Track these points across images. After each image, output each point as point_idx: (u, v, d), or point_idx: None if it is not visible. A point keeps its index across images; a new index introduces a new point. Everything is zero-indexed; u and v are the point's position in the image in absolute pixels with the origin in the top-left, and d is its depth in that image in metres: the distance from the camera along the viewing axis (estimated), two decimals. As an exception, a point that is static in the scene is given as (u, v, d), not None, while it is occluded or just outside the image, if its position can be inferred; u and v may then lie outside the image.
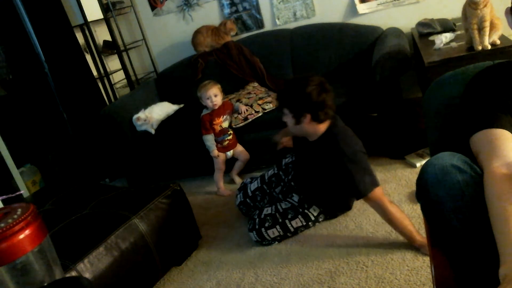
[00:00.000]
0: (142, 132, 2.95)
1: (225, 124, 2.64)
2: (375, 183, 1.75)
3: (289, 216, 1.99)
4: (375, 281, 1.62)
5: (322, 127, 1.86)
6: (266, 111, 2.74)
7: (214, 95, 2.54)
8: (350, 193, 1.91)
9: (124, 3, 3.61)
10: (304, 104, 1.80)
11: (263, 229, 1.99)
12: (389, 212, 1.71)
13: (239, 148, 2.72)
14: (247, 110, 2.72)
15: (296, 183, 2.09)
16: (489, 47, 2.05)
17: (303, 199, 2.02)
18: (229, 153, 2.70)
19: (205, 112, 2.62)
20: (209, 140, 2.61)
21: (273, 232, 1.98)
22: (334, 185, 1.95)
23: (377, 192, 1.74)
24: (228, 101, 2.77)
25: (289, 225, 1.99)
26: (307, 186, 2.03)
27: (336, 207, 2.08)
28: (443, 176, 0.93)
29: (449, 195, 0.92)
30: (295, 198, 2.04)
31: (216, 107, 2.57)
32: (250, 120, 2.71)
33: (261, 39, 3.29)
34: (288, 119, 1.88)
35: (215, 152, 2.62)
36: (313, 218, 2.02)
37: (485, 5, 1.99)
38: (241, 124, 2.71)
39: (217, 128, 2.61)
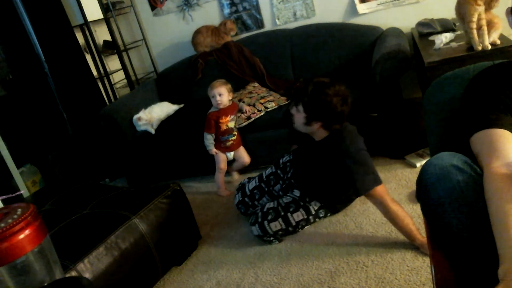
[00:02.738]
0: (142, 132, 2.95)
1: (231, 124, 2.63)
2: (377, 181, 1.76)
3: (291, 209, 2.01)
4: (375, 281, 1.62)
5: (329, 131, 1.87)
6: (268, 109, 2.75)
7: (218, 94, 2.53)
8: (350, 189, 1.92)
9: (124, 3, 3.61)
10: (323, 113, 1.81)
11: (265, 222, 1.99)
12: (391, 210, 1.72)
13: (242, 152, 2.72)
14: (250, 110, 2.72)
15: (296, 180, 2.09)
16: (490, 47, 2.04)
17: (304, 194, 2.03)
18: (230, 155, 2.69)
19: (212, 110, 2.61)
20: (209, 139, 2.61)
21: (275, 225, 1.99)
22: (335, 181, 1.95)
23: (379, 190, 1.74)
24: (234, 102, 2.76)
25: (291, 219, 2.00)
26: (308, 183, 2.04)
27: (337, 201, 2.09)
28: (443, 176, 0.93)
29: (449, 195, 0.92)
30: (296, 193, 2.06)
31: (220, 106, 2.56)
32: (253, 119, 2.71)
33: (261, 39, 3.29)
34: (298, 116, 1.88)
35: (212, 150, 2.62)
36: (313, 212, 2.03)
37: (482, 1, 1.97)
38: (244, 124, 2.71)
39: (223, 127, 2.60)
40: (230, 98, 2.61)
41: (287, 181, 2.16)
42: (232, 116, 2.62)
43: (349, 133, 1.85)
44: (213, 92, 2.54)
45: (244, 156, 2.72)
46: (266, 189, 2.23)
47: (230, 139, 2.65)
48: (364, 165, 1.78)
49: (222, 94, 2.54)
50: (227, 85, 2.59)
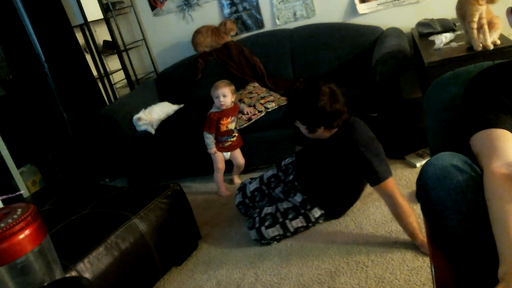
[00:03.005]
0: (142, 132, 2.95)
1: (231, 126, 2.63)
2: (389, 172, 1.75)
3: (290, 216, 2.00)
4: (375, 281, 1.62)
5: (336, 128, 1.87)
6: (268, 110, 2.74)
7: (222, 95, 2.52)
8: (361, 181, 1.91)
9: (124, 3, 3.61)
10: (317, 119, 1.80)
11: (263, 228, 1.99)
12: (399, 204, 1.71)
13: (237, 153, 2.72)
14: (250, 111, 2.71)
15: (300, 183, 2.09)
16: (492, 47, 2.02)
17: (307, 200, 2.02)
18: (227, 155, 2.69)
19: (214, 110, 2.60)
20: (209, 138, 2.61)
21: (273, 231, 1.99)
22: (346, 177, 1.95)
23: (391, 181, 1.74)
24: (236, 103, 2.76)
25: (289, 225, 1.99)
26: (312, 184, 2.03)
27: (341, 203, 2.08)
28: (443, 176, 0.93)
29: (449, 195, 0.92)
30: (298, 198, 2.04)
31: (223, 107, 2.55)
32: (253, 120, 2.71)
33: (261, 39, 3.29)
34: (301, 128, 1.90)
35: (213, 150, 2.62)
36: (313, 220, 2.02)
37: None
38: (245, 125, 2.70)
39: (223, 128, 2.60)
40: (233, 99, 2.60)
41: (289, 183, 2.15)
42: (232, 118, 2.62)
43: (359, 124, 1.85)
44: (217, 93, 2.52)
45: (239, 157, 2.71)
46: (266, 191, 2.23)
47: (229, 140, 2.65)
48: (378, 154, 1.77)
49: (226, 96, 2.53)
50: (231, 86, 2.58)
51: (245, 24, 3.43)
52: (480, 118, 1.01)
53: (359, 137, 1.79)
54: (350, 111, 1.88)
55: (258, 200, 2.23)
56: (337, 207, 2.08)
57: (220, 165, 2.66)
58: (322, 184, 2.01)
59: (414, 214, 1.72)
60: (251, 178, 2.37)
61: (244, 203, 2.27)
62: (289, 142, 2.34)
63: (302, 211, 2.01)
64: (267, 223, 1.99)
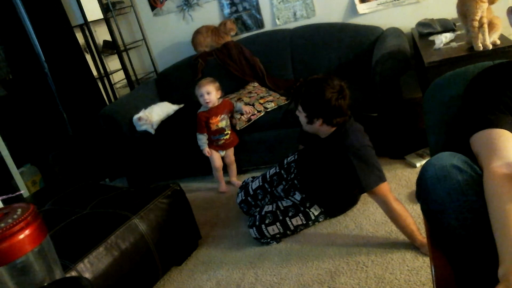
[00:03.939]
0: (142, 132, 2.95)
1: (222, 124, 2.62)
2: (381, 178, 1.75)
3: (290, 214, 2.00)
4: (375, 281, 1.62)
5: (334, 127, 1.87)
6: (268, 110, 2.74)
7: (206, 93, 2.51)
8: (355, 187, 1.92)
9: (124, 3, 3.61)
10: (320, 109, 1.80)
11: (263, 226, 1.99)
12: (393, 209, 1.71)
13: (229, 151, 2.72)
14: (249, 111, 2.71)
15: (299, 181, 2.09)
16: (491, 46, 2.02)
17: (306, 198, 2.02)
18: (222, 153, 2.70)
19: (202, 109, 2.60)
20: (201, 139, 2.61)
21: (273, 229, 1.99)
22: (339, 181, 1.95)
23: (383, 187, 1.74)
24: (229, 100, 2.76)
25: (289, 223, 1.99)
26: (311, 184, 2.03)
27: (339, 206, 2.08)
28: (443, 176, 0.93)
29: (449, 195, 0.92)
30: (297, 196, 2.04)
31: (210, 105, 2.54)
32: (253, 120, 2.71)
33: (261, 39, 3.29)
34: (301, 116, 1.89)
35: (205, 150, 2.62)
36: (313, 218, 2.03)
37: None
38: (245, 125, 2.70)
39: (213, 127, 2.59)
40: (219, 96, 2.59)
41: (290, 181, 2.15)
42: (222, 116, 2.61)
43: (354, 130, 1.85)
44: (201, 91, 2.52)
45: (230, 155, 2.72)
46: (269, 189, 2.23)
47: (222, 138, 2.65)
48: (368, 162, 1.77)
49: (210, 93, 2.52)
50: (215, 83, 2.57)
51: (245, 24, 3.43)
52: (480, 118, 1.01)
53: (350, 143, 1.79)
54: (350, 113, 1.88)
55: (260, 198, 2.23)
56: (335, 206, 2.08)
57: (217, 163, 2.66)
58: (319, 184, 2.01)
59: (411, 216, 1.73)
60: (253, 177, 2.37)
61: (246, 201, 2.27)
62: (293, 141, 2.34)
63: (302, 208, 2.01)
64: (267, 221, 1.99)
